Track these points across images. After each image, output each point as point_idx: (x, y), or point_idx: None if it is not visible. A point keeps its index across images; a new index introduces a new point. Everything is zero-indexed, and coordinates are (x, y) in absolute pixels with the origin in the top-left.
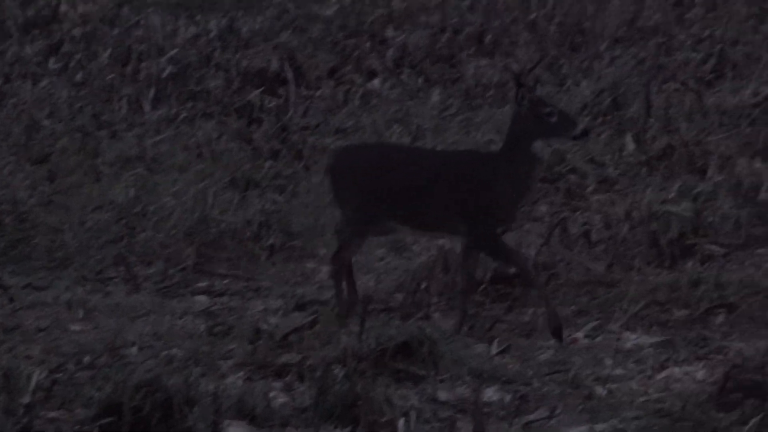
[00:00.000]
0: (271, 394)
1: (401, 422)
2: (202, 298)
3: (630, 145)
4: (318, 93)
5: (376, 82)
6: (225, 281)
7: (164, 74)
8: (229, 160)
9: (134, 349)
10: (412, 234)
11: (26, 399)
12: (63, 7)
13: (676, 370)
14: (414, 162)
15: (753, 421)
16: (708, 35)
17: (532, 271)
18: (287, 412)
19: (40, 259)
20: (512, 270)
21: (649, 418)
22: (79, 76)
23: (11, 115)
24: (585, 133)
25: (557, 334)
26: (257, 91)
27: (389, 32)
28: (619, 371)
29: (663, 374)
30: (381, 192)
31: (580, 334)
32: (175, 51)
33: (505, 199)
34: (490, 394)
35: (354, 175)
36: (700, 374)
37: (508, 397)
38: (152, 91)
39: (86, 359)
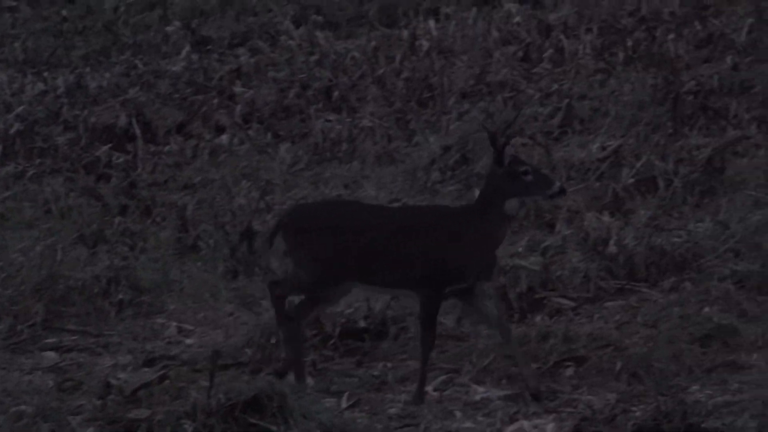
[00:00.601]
0: None
1: None
2: (51, 354)
3: None
4: (166, 148)
5: (224, 138)
6: (74, 337)
7: (11, 131)
8: (78, 216)
9: None
10: (370, 292)
11: None
12: None
13: (526, 423)
14: (378, 219)
15: None
16: (555, 90)
17: (431, 346)
18: None
19: None
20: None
21: None
22: None
23: None
24: (562, 191)
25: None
26: (105, 147)
27: (237, 88)
28: (468, 424)
29: (512, 427)
30: (344, 251)
31: (430, 388)
32: (22, 108)
33: (474, 254)
34: None
35: (314, 233)
36: (550, 427)
37: None
38: (0, 148)
39: None
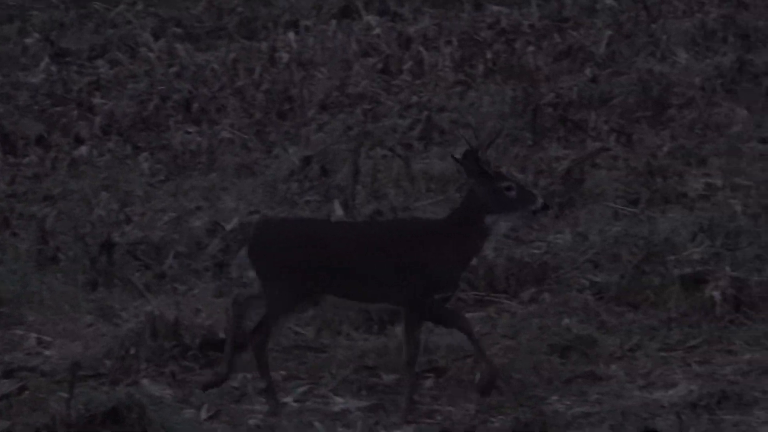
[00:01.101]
0: None
1: None
2: None
3: (338, 212)
4: (25, 160)
5: (84, 149)
6: None
7: None
8: None
9: None
10: (345, 306)
11: None
12: None
13: None
14: (350, 234)
15: None
16: (415, 102)
17: (474, 332)
18: None
19: None
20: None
21: None
22: None
23: None
24: (545, 207)
25: (486, 391)
26: None
27: (96, 99)
28: None
29: None
30: (315, 266)
31: (290, 399)
32: None
33: (449, 268)
34: None
35: (283, 249)
36: None
37: None
38: None
39: None
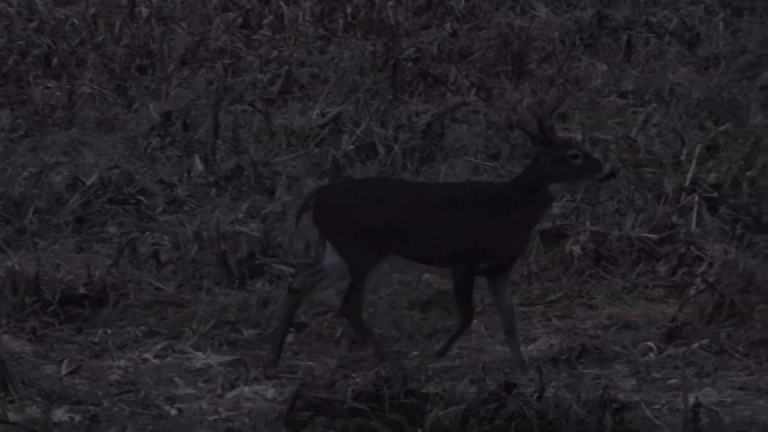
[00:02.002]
0: None
1: None
2: None
3: (199, 167)
4: None
5: None
6: None
7: None
8: None
9: None
10: (410, 267)
11: None
12: None
13: (246, 389)
14: (416, 195)
15: None
16: (275, 57)
17: (470, 321)
18: None
19: None
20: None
21: None
22: None
23: None
24: (612, 174)
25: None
26: None
27: None
28: (189, 391)
29: (233, 393)
30: (383, 227)
31: (150, 355)
32: None
33: (511, 233)
34: (60, 414)
35: (350, 211)
36: (270, 393)
37: (78, 418)
38: None
39: None
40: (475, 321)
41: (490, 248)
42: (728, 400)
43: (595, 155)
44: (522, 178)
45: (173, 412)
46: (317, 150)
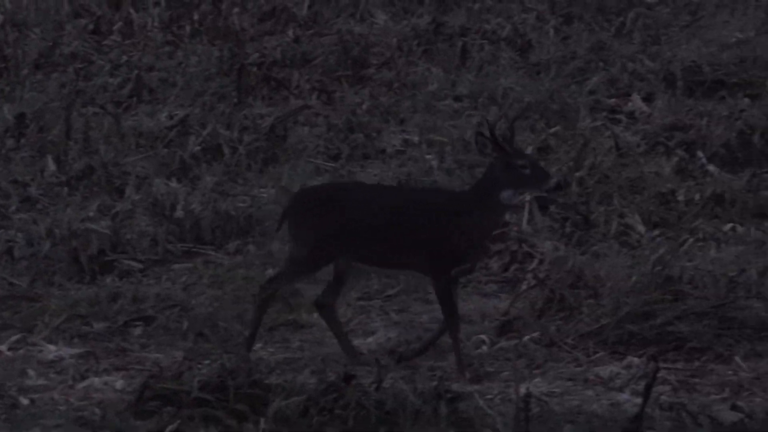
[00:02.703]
0: None
1: None
2: None
3: (51, 167)
4: None
5: None
6: None
7: None
8: None
9: None
10: (373, 272)
11: None
12: None
13: (96, 380)
14: (378, 199)
15: (169, 428)
16: (125, 61)
17: (457, 326)
18: None
19: None
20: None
21: (69, 426)
22: None
23: None
24: (558, 187)
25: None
26: None
27: None
28: (41, 382)
29: (84, 384)
30: (340, 231)
31: (3, 347)
32: None
33: (470, 238)
34: None
35: (310, 215)
36: (119, 384)
37: None
38: None
39: None
40: (315, 315)
41: (453, 253)
42: (557, 390)
43: (553, 169)
44: (479, 184)
45: (25, 402)
46: (165, 151)
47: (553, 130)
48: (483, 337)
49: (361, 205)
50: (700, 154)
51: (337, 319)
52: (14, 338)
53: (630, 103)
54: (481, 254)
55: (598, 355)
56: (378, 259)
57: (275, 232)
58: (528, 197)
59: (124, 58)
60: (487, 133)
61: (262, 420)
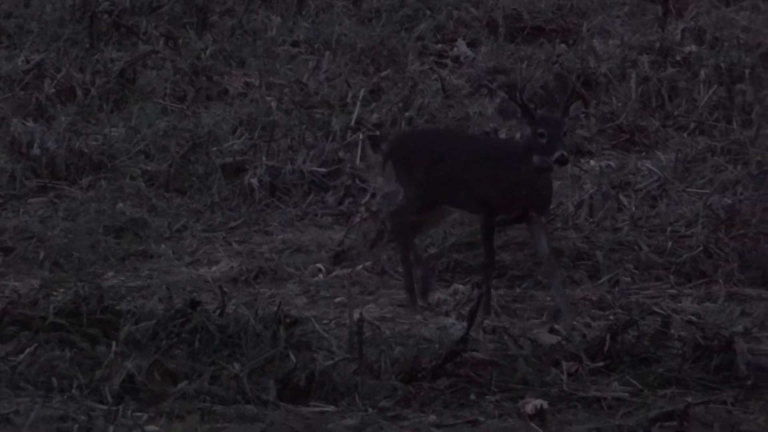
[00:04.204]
0: None
1: None
2: None
3: None
4: None
5: None
6: None
7: None
8: None
9: None
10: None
11: None
12: None
13: None
14: (455, 146)
15: (27, 350)
16: None
17: (494, 266)
18: None
19: None
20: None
21: None
22: None
23: None
24: (559, 161)
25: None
26: None
27: None
28: None
29: None
30: (430, 175)
31: None
32: None
33: (510, 188)
34: None
35: (408, 159)
36: None
37: None
38: None
39: None
40: (163, 246)
41: (496, 200)
42: (389, 315)
43: (559, 143)
44: (523, 144)
45: None
46: (22, 93)
47: (383, 73)
48: (319, 265)
49: (442, 153)
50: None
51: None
52: None
53: (455, 48)
54: (537, 203)
55: None
56: (457, 202)
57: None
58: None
59: None
60: (518, 99)
61: (113, 343)
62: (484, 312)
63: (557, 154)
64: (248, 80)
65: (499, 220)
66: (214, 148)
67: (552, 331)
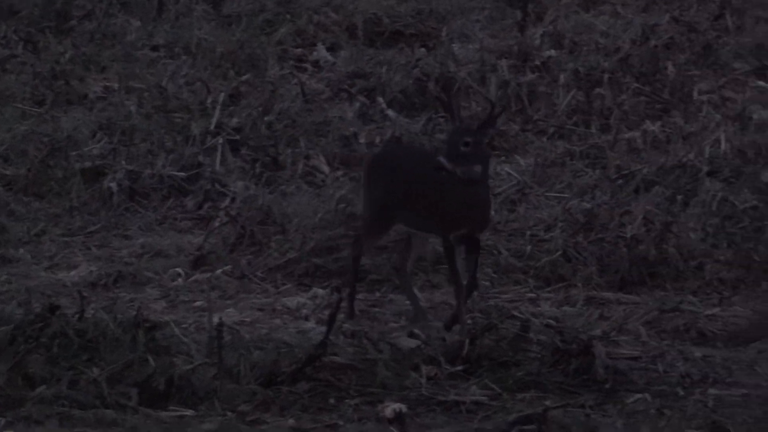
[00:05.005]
0: None
1: None
2: None
3: None
4: None
5: None
6: None
7: None
8: None
9: None
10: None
11: None
12: None
13: None
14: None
15: None
16: None
17: (462, 287)
18: None
19: None
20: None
21: None
22: None
23: None
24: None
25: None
26: None
27: None
28: None
29: None
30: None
31: None
32: None
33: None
34: None
35: (380, 177)
36: None
37: None
38: None
39: None
40: (22, 250)
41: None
42: (248, 319)
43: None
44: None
45: None
46: None
47: (243, 78)
48: (179, 270)
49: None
50: (380, 99)
51: (409, 283)
52: None
53: (315, 53)
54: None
55: (285, 286)
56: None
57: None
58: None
59: None
60: (444, 97)
61: None
62: (422, 318)
63: (476, 170)
64: (108, 84)
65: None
66: (74, 153)
67: (411, 335)
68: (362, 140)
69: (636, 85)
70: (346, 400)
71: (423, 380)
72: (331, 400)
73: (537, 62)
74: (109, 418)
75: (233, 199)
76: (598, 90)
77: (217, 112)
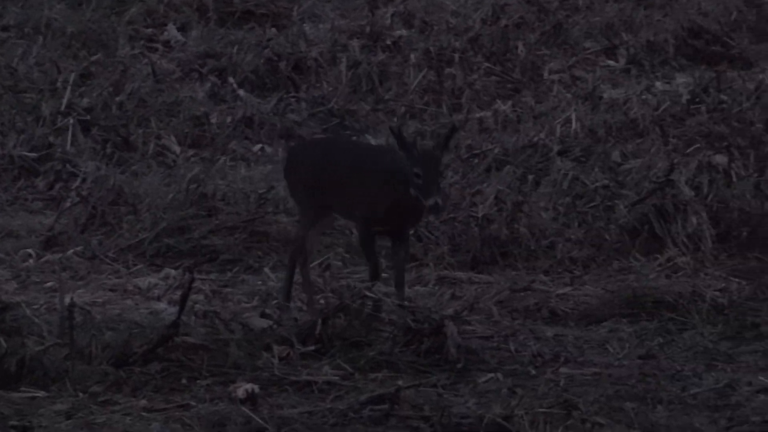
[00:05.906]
0: None
1: None
2: None
3: None
4: None
5: None
6: None
7: None
8: None
9: None
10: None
11: None
12: None
13: None
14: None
15: None
16: None
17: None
18: None
19: None
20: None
21: None
22: None
23: None
24: (434, 210)
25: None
26: None
27: None
28: None
29: None
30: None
31: None
32: None
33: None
34: None
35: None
36: None
37: None
38: None
39: None
40: None
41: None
42: (100, 300)
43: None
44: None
45: None
46: None
47: (94, 58)
48: (29, 251)
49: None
50: (231, 80)
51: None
52: None
53: (166, 33)
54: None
55: (137, 267)
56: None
57: None
58: None
59: None
60: (396, 131)
61: None
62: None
63: (431, 201)
64: None
65: (374, 231)
66: None
67: (263, 315)
68: (213, 120)
69: (487, 64)
70: (198, 381)
71: (275, 360)
72: (183, 381)
73: (388, 42)
74: None
75: (84, 180)
76: (449, 70)
77: (67, 93)
